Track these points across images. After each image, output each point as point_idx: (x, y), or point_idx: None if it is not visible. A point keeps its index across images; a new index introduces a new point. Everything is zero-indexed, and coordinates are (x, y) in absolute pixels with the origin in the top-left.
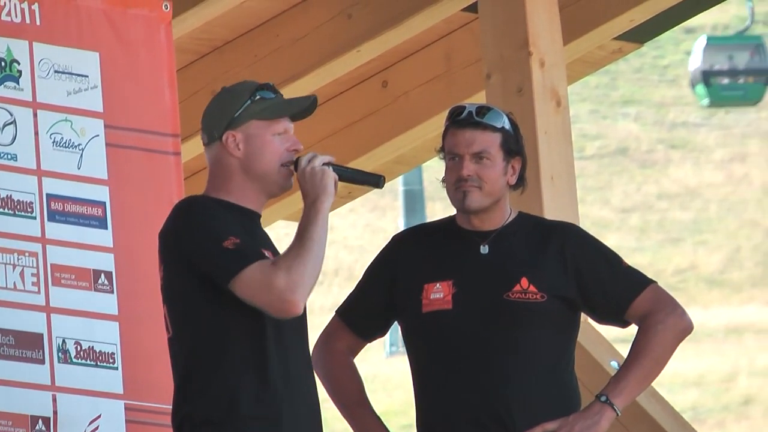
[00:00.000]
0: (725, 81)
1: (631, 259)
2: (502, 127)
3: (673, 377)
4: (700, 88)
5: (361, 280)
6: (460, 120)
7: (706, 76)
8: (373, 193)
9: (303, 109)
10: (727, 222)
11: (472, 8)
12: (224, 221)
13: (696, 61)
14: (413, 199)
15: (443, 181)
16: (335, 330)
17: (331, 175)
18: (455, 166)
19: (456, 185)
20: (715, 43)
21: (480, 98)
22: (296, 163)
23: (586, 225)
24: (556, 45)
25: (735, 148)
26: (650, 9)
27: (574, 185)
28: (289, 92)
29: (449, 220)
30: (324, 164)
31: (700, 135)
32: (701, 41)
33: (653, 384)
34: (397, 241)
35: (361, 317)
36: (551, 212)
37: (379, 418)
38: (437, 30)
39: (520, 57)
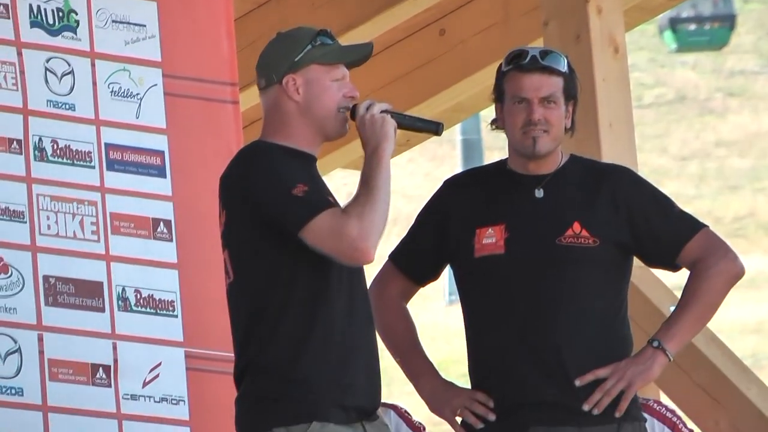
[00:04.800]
0: (692, 27)
1: (690, 207)
2: (565, 72)
3: (733, 324)
4: (668, 34)
5: (413, 224)
6: (524, 64)
7: (674, 23)
8: (431, 142)
9: (362, 56)
10: None
11: None
12: (292, 168)
13: None
14: (471, 148)
15: (493, 123)
16: (388, 275)
17: (391, 122)
18: (522, 110)
19: (524, 129)
20: None
21: (537, 45)
22: (353, 110)
23: (644, 173)
24: None
25: None
26: None
27: (633, 132)
28: (346, 40)
29: (500, 164)
30: (382, 111)
31: (758, 83)
32: None
33: (713, 330)
34: (449, 184)
35: (413, 261)
36: (609, 159)
37: (431, 363)
38: None
39: (578, 4)
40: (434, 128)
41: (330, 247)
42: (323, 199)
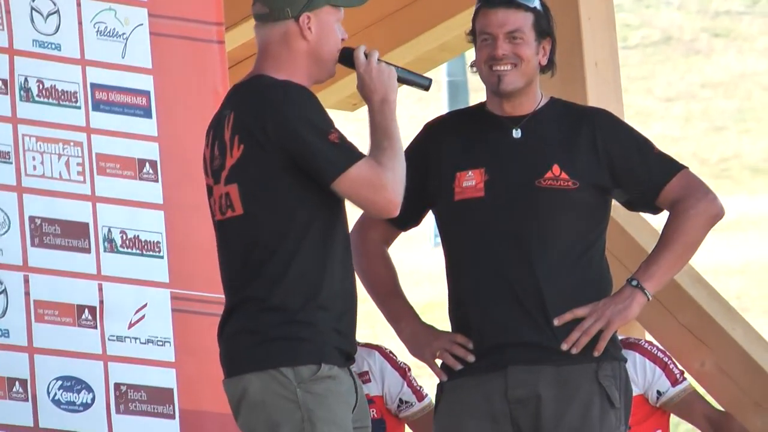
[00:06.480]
0: None
1: (676, 148)
2: (534, 7)
3: (718, 266)
4: None
5: None
6: (491, 0)
7: None
8: None
9: (362, 2)
10: None
11: None
12: (323, 111)
13: None
14: (457, 90)
15: (472, 65)
16: (370, 219)
17: (394, 72)
18: (488, 46)
19: (489, 64)
20: None
21: None
22: (348, 55)
23: (629, 114)
24: None
25: None
26: None
27: (618, 72)
28: None
29: (479, 107)
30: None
31: (743, 23)
32: None
33: (699, 270)
34: (429, 128)
35: None
36: (595, 98)
37: (411, 307)
38: None
39: None
40: (425, 83)
41: (365, 198)
42: (355, 147)
